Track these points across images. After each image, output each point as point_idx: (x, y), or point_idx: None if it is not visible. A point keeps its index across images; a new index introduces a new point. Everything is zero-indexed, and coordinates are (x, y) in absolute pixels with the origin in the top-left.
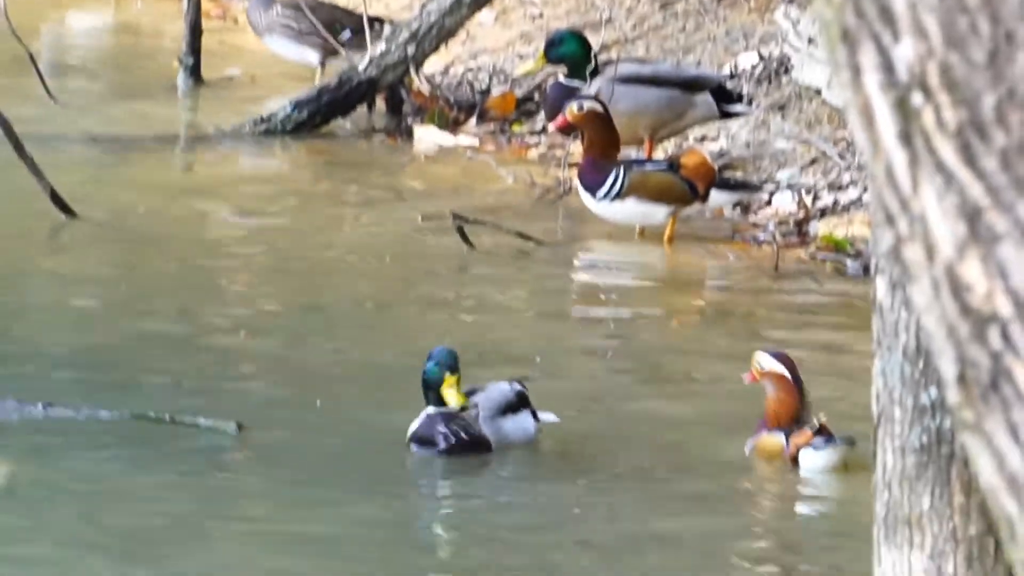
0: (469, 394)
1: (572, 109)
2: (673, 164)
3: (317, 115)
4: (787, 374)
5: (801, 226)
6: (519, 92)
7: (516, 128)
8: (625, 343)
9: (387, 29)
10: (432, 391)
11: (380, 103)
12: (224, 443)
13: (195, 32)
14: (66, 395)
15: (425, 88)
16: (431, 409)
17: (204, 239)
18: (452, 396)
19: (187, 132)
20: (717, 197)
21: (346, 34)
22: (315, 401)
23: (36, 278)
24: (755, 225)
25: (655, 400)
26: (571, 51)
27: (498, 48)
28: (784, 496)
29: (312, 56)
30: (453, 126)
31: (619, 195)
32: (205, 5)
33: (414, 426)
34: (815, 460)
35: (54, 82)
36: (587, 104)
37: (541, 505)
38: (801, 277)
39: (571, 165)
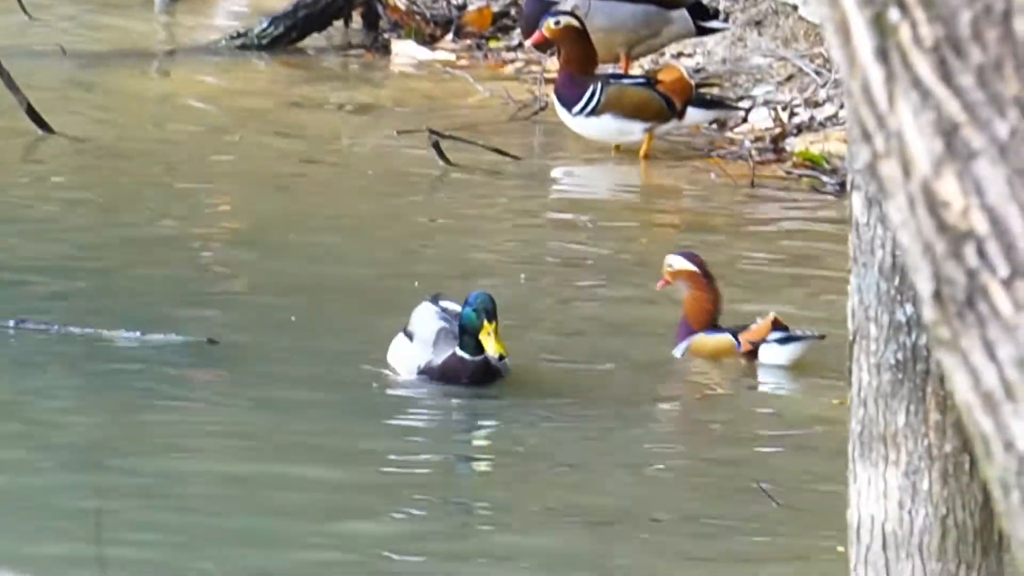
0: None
1: (549, 24)
2: (651, 80)
3: (293, 30)
4: (697, 270)
5: (777, 142)
6: (496, 7)
7: (493, 44)
8: (598, 259)
9: None
10: (469, 336)
11: (356, 18)
12: (198, 358)
13: None
14: (39, 309)
15: (401, 3)
16: (459, 351)
17: (180, 153)
18: (491, 345)
19: (163, 47)
20: (694, 114)
21: None
22: (290, 316)
23: (11, 192)
24: (732, 141)
25: (612, 309)
26: None
27: None
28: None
29: None
30: (430, 41)
31: (595, 111)
32: None
33: (431, 360)
34: (779, 355)
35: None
36: (564, 19)
37: (509, 423)
38: (777, 193)
39: (548, 81)
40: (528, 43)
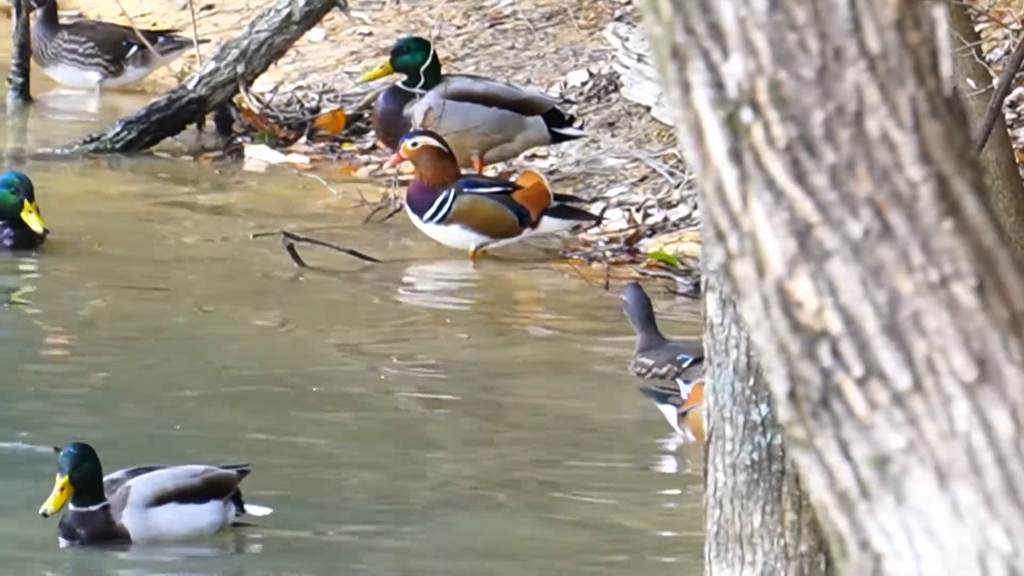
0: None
1: (406, 146)
2: (508, 188)
3: (147, 134)
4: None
5: (632, 243)
6: (348, 111)
7: (346, 146)
8: (450, 367)
9: (216, 48)
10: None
11: (210, 122)
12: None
13: (23, 51)
14: None
15: (255, 107)
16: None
17: (29, 258)
18: (34, 221)
19: (14, 150)
20: (550, 223)
21: (133, 50)
22: (111, 416)
23: None
24: (586, 243)
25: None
26: (417, 59)
27: (328, 67)
28: None
29: (94, 77)
30: (283, 144)
31: (444, 219)
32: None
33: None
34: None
35: None
36: (421, 140)
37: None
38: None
39: (402, 183)
40: (387, 167)
